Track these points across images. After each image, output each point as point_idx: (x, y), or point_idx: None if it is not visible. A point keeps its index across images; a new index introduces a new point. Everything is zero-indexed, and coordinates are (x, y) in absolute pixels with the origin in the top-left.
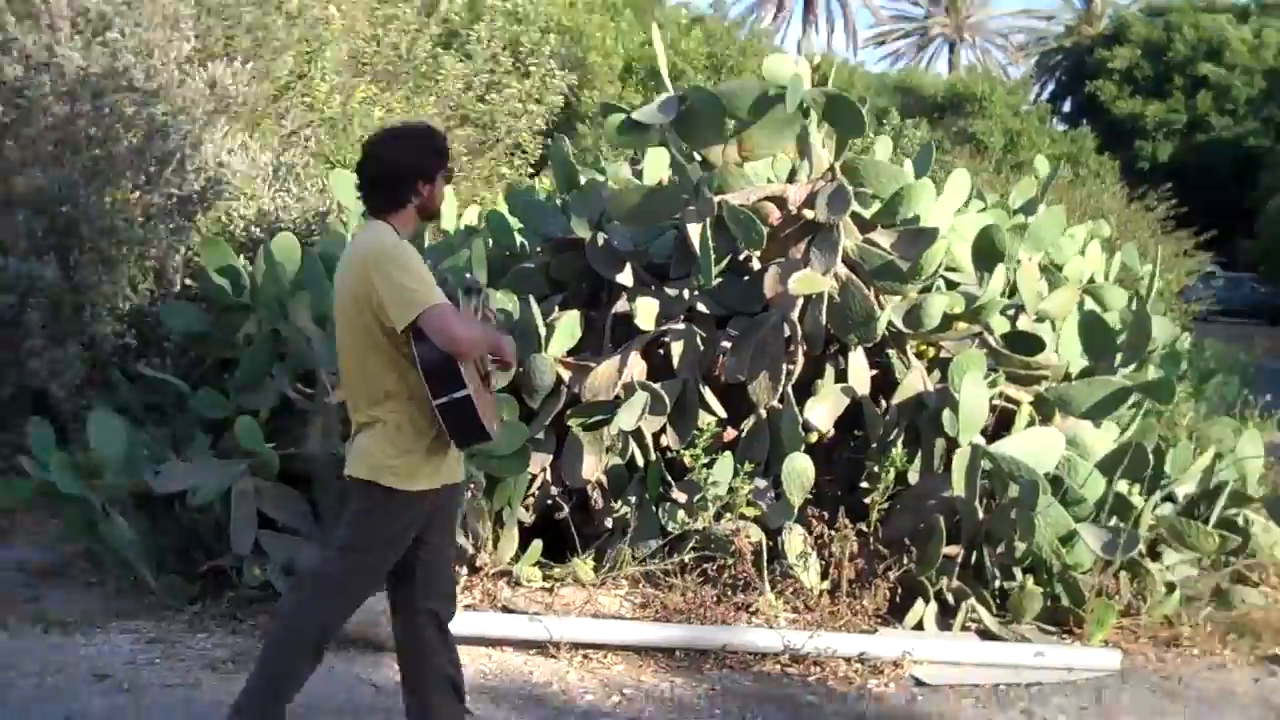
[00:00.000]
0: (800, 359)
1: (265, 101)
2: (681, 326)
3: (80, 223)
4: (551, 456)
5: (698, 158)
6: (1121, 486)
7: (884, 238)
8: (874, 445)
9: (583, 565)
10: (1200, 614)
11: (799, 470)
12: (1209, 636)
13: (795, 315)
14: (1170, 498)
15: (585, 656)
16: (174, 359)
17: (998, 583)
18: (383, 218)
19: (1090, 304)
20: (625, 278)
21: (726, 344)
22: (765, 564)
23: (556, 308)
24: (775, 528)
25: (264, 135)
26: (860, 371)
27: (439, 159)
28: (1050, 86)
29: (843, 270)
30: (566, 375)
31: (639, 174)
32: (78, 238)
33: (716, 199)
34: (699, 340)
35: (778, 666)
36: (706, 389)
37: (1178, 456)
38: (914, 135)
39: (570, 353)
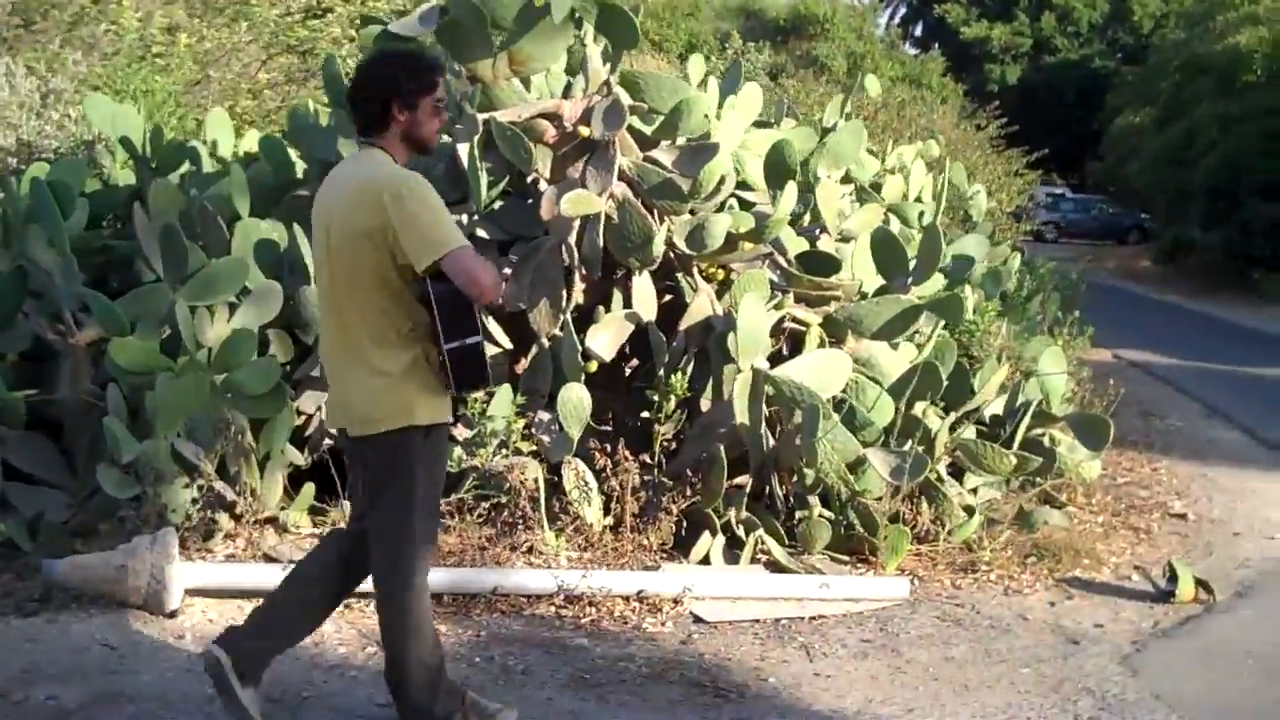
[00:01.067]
0: (578, 284)
1: (60, 28)
2: None
3: None
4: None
5: (464, 73)
6: (927, 409)
7: (666, 155)
8: (660, 373)
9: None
10: (1000, 538)
11: (575, 401)
12: (1008, 561)
13: (573, 238)
14: (979, 419)
15: (347, 606)
16: None
17: (792, 513)
18: (376, 144)
19: (896, 223)
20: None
21: (509, 270)
22: (545, 501)
23: None
24: (556, 462)
25: (45, 60)
26: (646, 296)
27: (421, 87)
28: (902, 11)
29: (619, 190)
30: None
31: None
32: None
33: (483, 116)
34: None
35: (552, 609)
36: (490, 318)
37: (984, 376)
38: (756, 59)
39: None
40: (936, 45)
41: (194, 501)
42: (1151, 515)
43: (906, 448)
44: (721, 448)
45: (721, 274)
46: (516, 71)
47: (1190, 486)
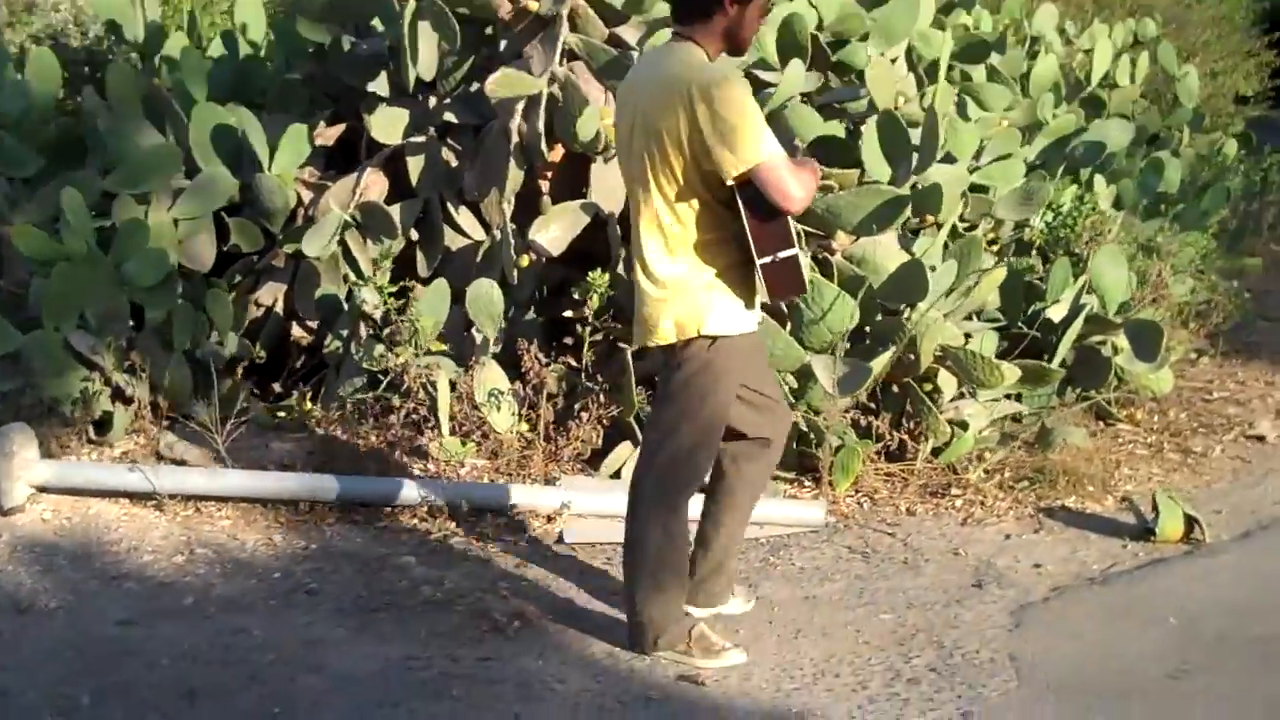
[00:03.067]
0: (513, 170)
1: None
2: (422, 139)
3: None
4: (286, 286)
5: None
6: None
7: (632, 31)
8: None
9: (266, 409)
10: (994, 457)
11: (484, 296)
12: (993, 486)
13: (515, 123)
14: (1041, 324)
15: (198, 510)
16: None
17: None
18: (689, 36)
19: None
20: (379, 86)
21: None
22: (452, 404)
23: (323, 124)
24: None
25: None
26: (607, 186)
27: None
28: None
29: (562, 70)
30: (307, 196)
31: None
32: None
33: None
34: (445, 154)
35: (415, 520)
36: (463, 208)
37: (1055, 277)
38: None
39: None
40: None
41: (85, 395)
42: (1222, 436)
43: (886, 355)
44: (628, 350)
45: None
46: None
47: None
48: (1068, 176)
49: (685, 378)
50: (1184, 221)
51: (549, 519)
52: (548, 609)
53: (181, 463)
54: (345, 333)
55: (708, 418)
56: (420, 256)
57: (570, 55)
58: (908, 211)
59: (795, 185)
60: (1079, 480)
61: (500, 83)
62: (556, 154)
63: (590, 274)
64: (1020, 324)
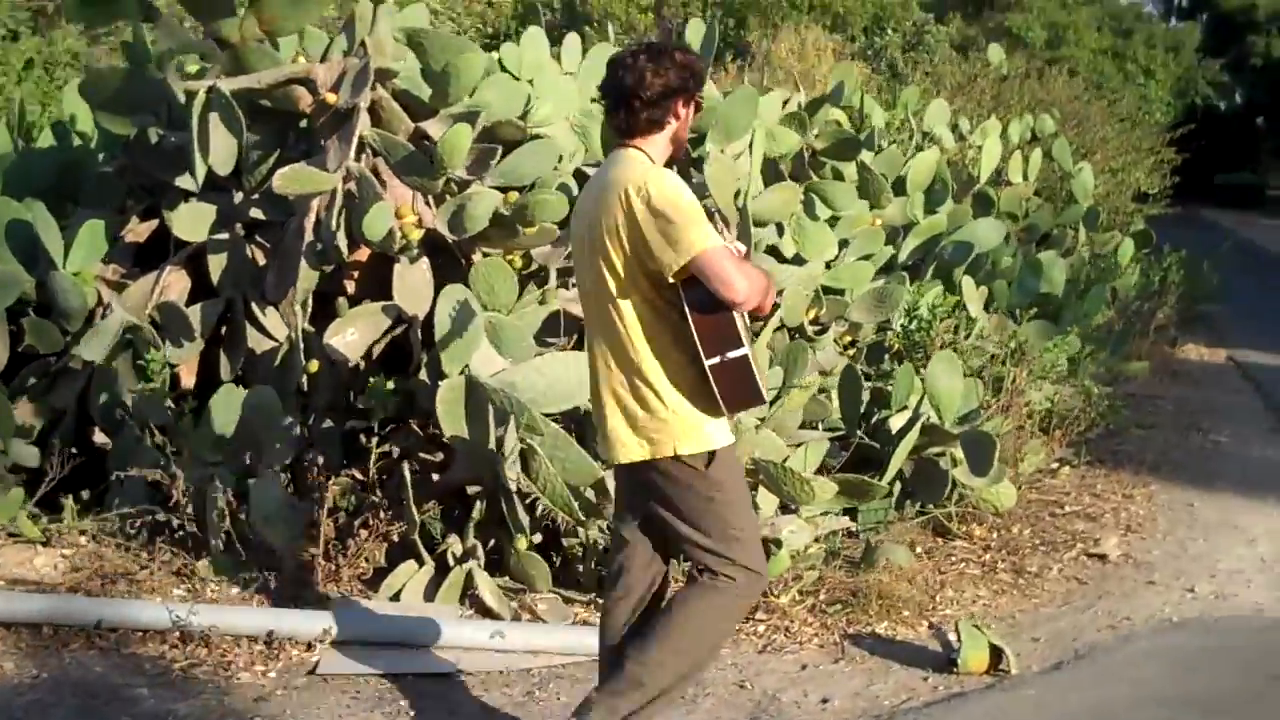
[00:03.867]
0: (304, 270)
1: None
2: (224, 236)
3: None
4: (81, 388)
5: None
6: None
7: (438, 126)
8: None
9: (25, 520)
10: (807, 579)
11: (264, 406)
12: (802, 609)
13: (310, 220)
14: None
15: None
16: None
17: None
18: (635, 145)
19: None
20: (185, 180)
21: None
22: (224, 521)
23: (136, 220)
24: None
25: None
26: (411, 286)
27: (698, 81)
28: None
29: (356, 165)
30: (109, 295)
31: None
32: None
33: (210, 83)
34: (252, 251)
35: (165, 646)
36: (270, 308)
37: (899, 384)
38: (938, 32)
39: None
40: (1197, 16)
41: None
42: (1063, 554)
43: None
44: (405, 465)
45: (519, 262)
46: (267, 33)
47: (1157, 519)
48: (937, 279)
49: (677, 503)
50: (1064, 324)
51: (309, 646)
52: None
53: None
54: (135, 441)
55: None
56: (224, 359)
57: (375, 151)
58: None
59: (738, 276)
60: (894, 604)
61: (288, 178)
62: (363, 254)
63: (372, 380)
64: (860, 433)
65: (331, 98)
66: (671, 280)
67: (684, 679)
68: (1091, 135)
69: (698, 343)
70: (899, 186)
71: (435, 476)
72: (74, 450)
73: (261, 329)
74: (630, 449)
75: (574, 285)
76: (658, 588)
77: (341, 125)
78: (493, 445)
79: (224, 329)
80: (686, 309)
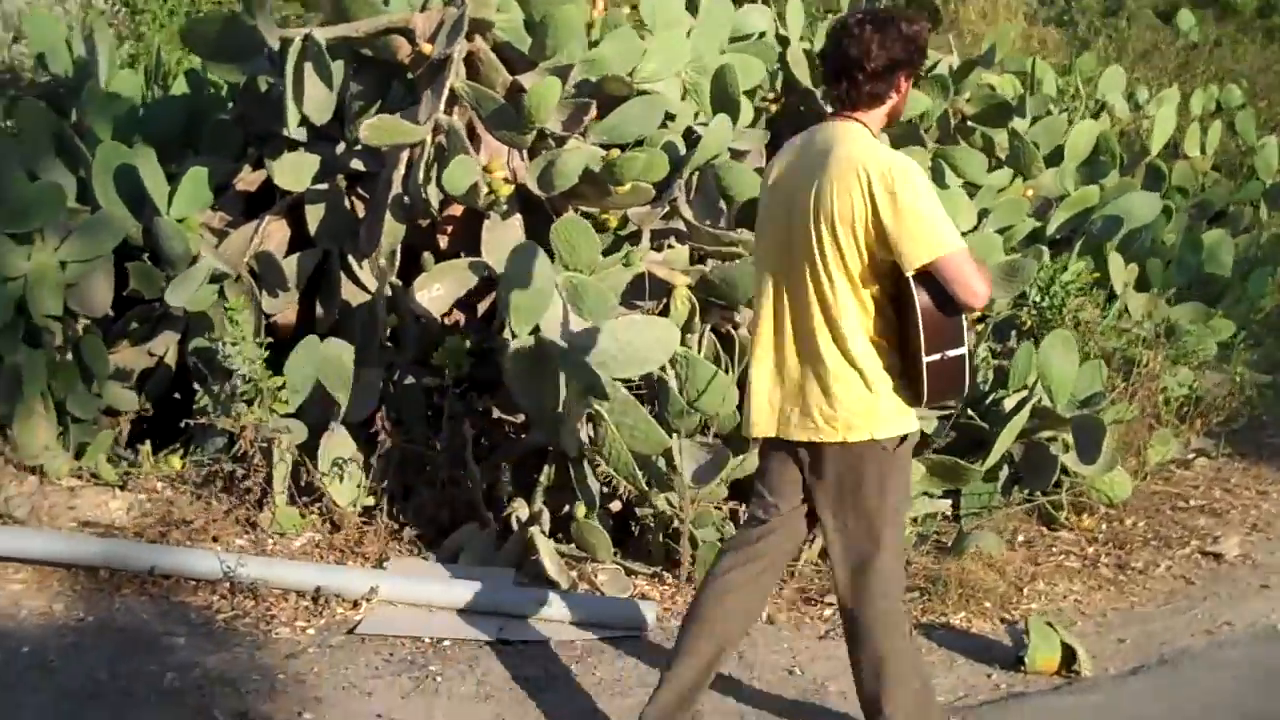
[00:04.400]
0: (396, 225)
1: None
2: (324, 187)
3: None
4: (179, 335)
5: None
6: None
7: (535, 79)
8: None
9: (104, 464)
10: None
11: (332, 360)
12: None
13: (398, 173)
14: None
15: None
16: None
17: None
18: (853, 117)
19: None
20: (297, 131)
21: None
22: (295, 471)
23: (249, 167)
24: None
25: None
26: (500, 243)
27: (922, 54)
28: None
29: (446, 118)
30: (211, 241)
31: None
32: None
33: (305, 31)
34: (351, 203)
35: (215, 596)
36: (367, 261)
37: (1018, 363)
38: None
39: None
40: None
41: None
42: (1175, 551)
43: None
44: (466, 424)
45: (614, 221)
46: None
47: None
48: (1087, 254)
49: (873, 489)
50: (1224, 306)
51: (355, 604)
52: (280, 709)
53: (11, 518)
54: (216, 389)
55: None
56: (320, 310)
57: (469, 104)
58: None
59: (980, 280)
60: (975, 594)
61: (375, 129)
62: (457, 210)
63: (448, 339)
64: (970, 413)
65: (427, 48)
66: (909, 275)
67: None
68: None
69: (921, 338)
70: (1060, 156)
71: (523, 437)
72: (177, 396)
73: (357, 281)
74: (822, 429)
75: (662, 249)
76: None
77: (436, 76)
78: (561, 409)
79: (315, 280)
80: (918, 304)
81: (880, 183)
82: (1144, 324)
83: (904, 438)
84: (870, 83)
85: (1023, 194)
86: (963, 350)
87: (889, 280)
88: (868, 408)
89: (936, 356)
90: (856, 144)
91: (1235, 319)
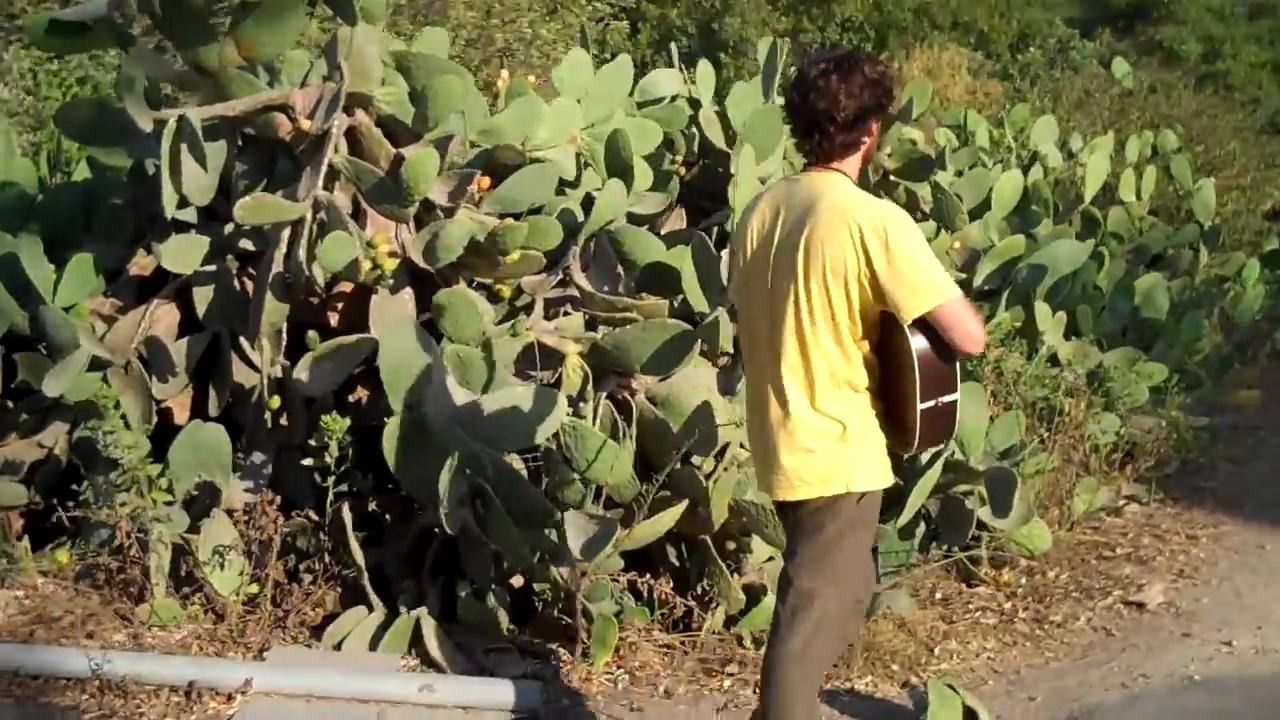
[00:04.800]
0: (278, 304)
1: None
2: (212, 268)
3: None
4: (69, 426)
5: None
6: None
7: (415, 150)
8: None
9: None
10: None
11: (209, 443)
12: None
13: (279, 251)
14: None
15: None
16: None
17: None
18: (831, 168)
19: None
20: (186, 212)
21: None
22: (177, 561)
23: (142, 251)
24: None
25: None
26: (391, 318)
27: (889, 96)
28: None
29: (325, 194)
30: (101, 328)
31: None
32: None
33: (178, 113)
34: (238, 283)
35: (85, 696)
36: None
37: None
38: (1083, 48)
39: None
40: None
41: None
42: (1097, 603)
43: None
44: (345, 506)
45: (507, 291)
46: (248, 59)
47: (1218, 563)
48: (1015, 304)
49: (832, 537)
50: (1158, 351)
51: (229, 698)
52: None
53: None
54: (99, 480)
55: (863, 579)
56: (213, 393)
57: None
58: (695, 348)
59: (977, 326)
60: (882, 657)
61: (249, 208)
62: (349, 285)
63: (324, 418)
64: None
65: (307, 124)
66: (906, 322)
67: None
68: (1220, 151)
69: (917, 385)
70: (989, 208)
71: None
72: (75, 488)
73: (249, 362)
74: (809, 485)
75: (557, 317)
76: None
77: (317, 152)
78: (440, 485)
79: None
80: (914, 352)
81: (873, 234)
82: (1066, 372)
83: (871, 490)
84: (842, 133)
85: (950, 247)
86: (955, 396)
87: (875, 330)
88: (844, 460)
89: (931, 403)
90: (842, 195)
91: (1170, 362)
